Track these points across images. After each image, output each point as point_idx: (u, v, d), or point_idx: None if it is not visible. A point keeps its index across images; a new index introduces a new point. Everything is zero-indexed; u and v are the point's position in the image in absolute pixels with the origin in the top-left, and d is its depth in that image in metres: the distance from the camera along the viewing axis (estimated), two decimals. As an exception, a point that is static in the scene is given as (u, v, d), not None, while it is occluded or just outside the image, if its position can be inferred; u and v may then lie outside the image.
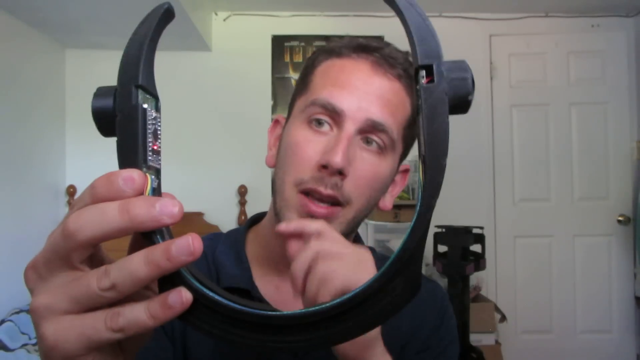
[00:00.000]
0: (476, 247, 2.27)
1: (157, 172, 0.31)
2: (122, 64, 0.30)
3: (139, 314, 0.27)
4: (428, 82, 0.28)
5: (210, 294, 0.29)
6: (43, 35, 2.61)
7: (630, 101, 2.94)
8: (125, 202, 0.27)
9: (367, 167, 0.60)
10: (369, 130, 0.59)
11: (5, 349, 1.91)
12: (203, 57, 2.86)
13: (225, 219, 2.77)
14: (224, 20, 2.91)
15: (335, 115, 0.59)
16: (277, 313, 0.30)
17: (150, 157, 0.30)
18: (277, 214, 0.61)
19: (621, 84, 2.94)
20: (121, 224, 0.27)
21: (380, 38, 0.67)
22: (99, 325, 0.28)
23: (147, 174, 0.29)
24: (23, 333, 2.04)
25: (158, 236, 0.28)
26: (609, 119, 2.94)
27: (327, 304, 0.30)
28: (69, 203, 2.74)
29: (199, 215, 2.71)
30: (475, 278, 2.50)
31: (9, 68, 2.33)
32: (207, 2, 2.77)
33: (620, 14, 2.97)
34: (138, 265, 0.27)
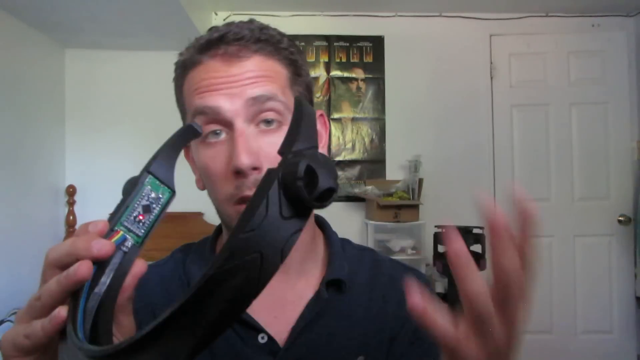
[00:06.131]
0: (476, 247, 2.26)
1: (137, 236, 0.39)
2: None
3: (36, 325, 0.36)
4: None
5: (73, 330, 0.33)
6: (43, 35, 2.61)
7: (631, 101, 2.94)
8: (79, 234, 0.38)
9: (277, 147, 0.61)
10: (257, 110, 0.58)
11: (5, 349, 1.91)
12: (203, 57, 2.86)
13: (225, 219, 2.76)
14: (224, 20, 2.90)
15: (220, 118, 0.58)
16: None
17: (127, 220, 0.38)
18: (227, 226, 0.65)
19: (621, 84, 2.94)
20: (70, 250, 0.37)
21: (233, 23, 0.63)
22: (19, 331, 0.37)
23: (120, 230, 0.38)
24: (23, 333, 2.03)
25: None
26: (609, 119, 2.94)
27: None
28: (68, 203, 2.74)
29: (199, 215, 2.71)
30: (475, 278, 2.49)
31: (8, 68, 2.33)
32: (207, 2, 2.77)
33: (621, 13, 2.97)
34: (51, 283, 0.36)
